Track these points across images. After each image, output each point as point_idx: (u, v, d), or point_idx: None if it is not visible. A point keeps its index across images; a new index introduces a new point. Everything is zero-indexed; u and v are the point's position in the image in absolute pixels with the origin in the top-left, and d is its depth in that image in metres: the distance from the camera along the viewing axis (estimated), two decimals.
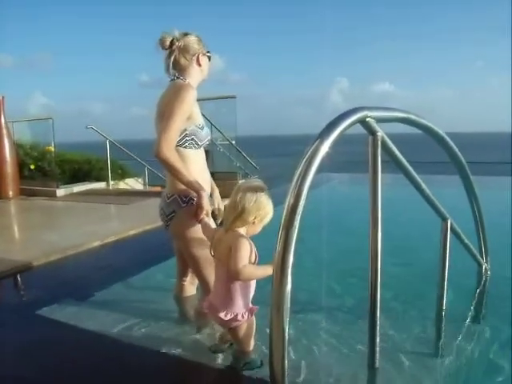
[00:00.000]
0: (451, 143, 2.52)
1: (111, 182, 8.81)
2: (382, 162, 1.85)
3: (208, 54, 2.64)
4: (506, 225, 4.71)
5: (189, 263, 2.69)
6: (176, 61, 2.55)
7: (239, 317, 2.03)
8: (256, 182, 2.06)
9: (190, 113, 2.45)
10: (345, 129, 1.61)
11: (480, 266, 3.35)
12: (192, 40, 2.57)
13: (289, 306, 1.52)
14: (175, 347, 2.36)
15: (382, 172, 1.85)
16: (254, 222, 2.00)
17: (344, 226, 5.00)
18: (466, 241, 2.95)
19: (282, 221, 1.49)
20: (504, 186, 8.44)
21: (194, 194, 2.45)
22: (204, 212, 2.39)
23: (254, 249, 2.00)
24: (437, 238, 2.75)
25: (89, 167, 9.13)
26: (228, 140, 7.94)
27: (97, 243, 4.47)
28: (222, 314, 2.01)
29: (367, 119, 1.73)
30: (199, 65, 2.60)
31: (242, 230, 2.03)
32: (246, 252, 1.93)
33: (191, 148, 2.51)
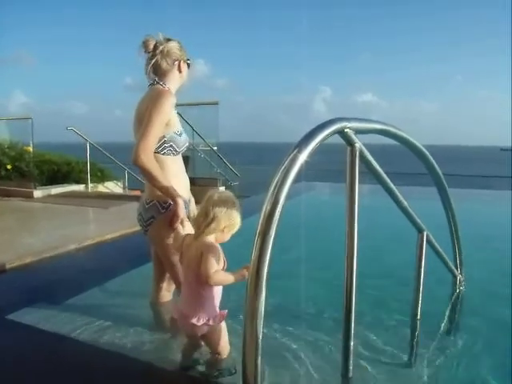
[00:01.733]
0: (429, 155, 2.56)
1: (90, 185, 8.72)
2: (360, 172, 1.88)
3: (188, 62, 2.66)
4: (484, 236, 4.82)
5: (166, 269, 2.67)
6: (157, 65, 2.55)
7: (211, 321, 2.04)
8: (226, 192, 2.12)
9: (168, 119, 2.45)
10: (323, 139, 1.62)
11: (455, 277, 3.40)
12: (175, 46, 2.58)
13: (263, 314, 1.52)
14: (148, 354, 2.33)
15: (361, 182, 1.87)
16: (223, 231, 2.05)
17: (321, 235, 5.02)
18: (442, 253, 2.99)
19: (258, 228, 1.49)
20: (480, 199, 8.64)
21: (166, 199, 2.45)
22: (179, 220, 2.39)
23: (223, 256, 2.03)
24: (413, 248, 2.78)
25: (68, 169, 9.02)
26: (210, 146, 7.94)
27: (73, 246, 4.41)
28: (194, 320, 2.01)
29: (346, 130, 1.75)
30: (180, 71, 2.63)
31: (212, 238, 2.05)
32: (217, 258, 1.96)
33: (169, 155, 2.51)
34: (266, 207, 1.50)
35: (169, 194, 2.41)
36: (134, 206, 2.73)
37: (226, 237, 2.09)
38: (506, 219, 6.20)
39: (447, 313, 3.09)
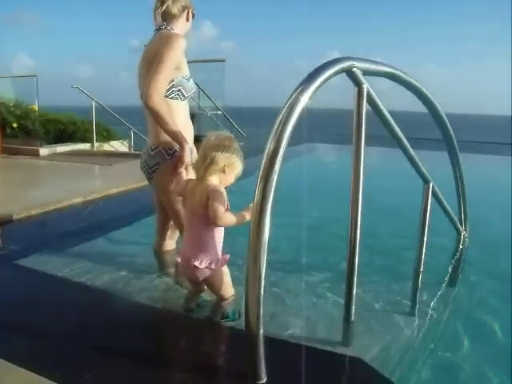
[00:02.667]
0: (436, 104, 2.50)
1: (96, 144, 8.68)
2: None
3: (194, 12, 2.66)
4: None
5: (171, 216, 2.69)
6: (168, 10, 2.53)
7: (213, 264, 2.06)
8: (223, 134, 2.09)
9: (179, 62, 2.43)
10: (328, 77, 1.58)
11: (459, 233, 3.40)
12: None
13: (265, 255, 1.51)
14: (152, 299, 2.37)
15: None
16: (224, 171, 2.03)
17: (327, 191, 5.00)
18: (447, 206, 2.97)
19: (261, 168, 1.47)
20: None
21: (179, 147, 2.43)
22: (184, 165, 2.38)
23: (227, 199, 2.01)
24: (418, 202, 2.77)
25: (74, 128, 8.96)
26: (214, 104, 7.84)
27: (79, 199, 4.43)
28: (196, 262, 2.03)
29: (353, 69, 1.70)
30: (187, 19, 2.62)
31: (216, 181, 2.04)
32: (223, 200, 1.96)
33: (177, 99, 2.50)
34: (269, 147, 1.47)
35: (177, 138, 2.40)
36: (139, 164, 2.72)
37: (230, 179, 2.08)
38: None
39: (450, 267, 3.09)
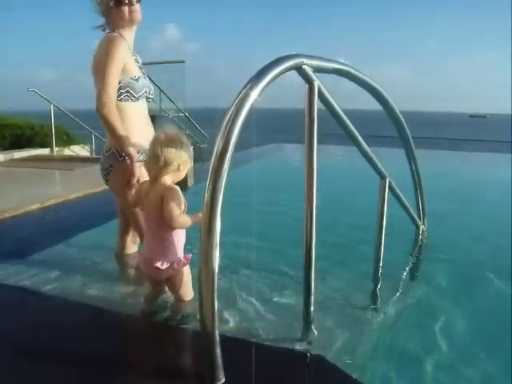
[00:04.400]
0: (389, 100, 2.54)
1: (56, 149, 8.45)
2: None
3: None
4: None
5: (129, 219, 2.64)
6: (102, 7, 2.47)
7: (175, 265, 2.05)
8: (171, 129, 2.08)
9: (123, 65, 2.39)
10: (278, 74, 1.56)
11: (417, 227, 3.46)
12: None
13: (218, 255, 1.49)
14: (113, 304, 2.31)
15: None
16: (179, 169, 2.04)
17: (288, 190, 5.00)
18: (404, 201, 3.03)
19: (210, 168, 1.45)
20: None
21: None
22: (135, 179, 2.35)
23: (183, 198, 2.01)
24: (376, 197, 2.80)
25: (32, 133, 8.73)
26: (176, 106, 7.78)
27: (36, 206, 4.29)
28: (158, 264, 2.01)
29: (303, 66, 1.70)
30: (119, 8, 2.45)
31: (169, 180, 2.02)
32: (179, 201, 1.95)
33: (127, 101, 2.45)
34: (218, 144, 1.46)
35: (123, 147, 2.37)
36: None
37: (182, 174, 2.08)
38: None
39: (409, 260, 3.15)
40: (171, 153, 1.97)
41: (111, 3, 2.44)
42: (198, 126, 8.32)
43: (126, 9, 2.45)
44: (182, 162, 2.01)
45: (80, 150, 9.07)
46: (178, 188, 2.01)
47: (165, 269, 2.03)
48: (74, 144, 9.01)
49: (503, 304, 2.51)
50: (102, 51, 2.38)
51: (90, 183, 5.09)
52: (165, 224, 1.99)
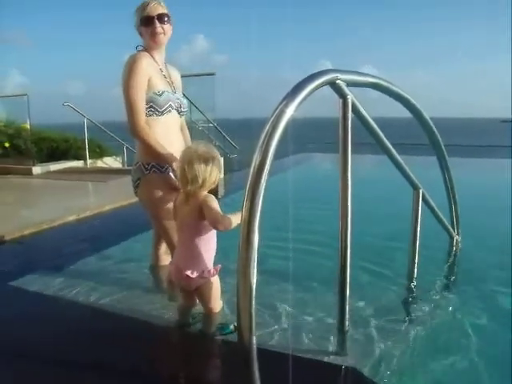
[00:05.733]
0: (423, 112, 2.53)
1: (89, 161, 8.68)
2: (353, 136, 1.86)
3: (142, 19, 2.50)
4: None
5: (159, 231, 2.70)
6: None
7: (205, 273, 2.08)
8: (203, 146, 2.08)
9: (147, 81, 2.44)
10: (312, 90, 1.59)
11: (451, 237, 3.41)
12: (139, 4, 2.53)
13: (255, 269, 1.51)
14: (147, 315, 2.36)
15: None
16: (215, 183, 2.10)
17: (318, 201, 5.01)
18: (438, 211, 2.99)
19: (249, 180, 1.48)
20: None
21: (157, 162, 2.50)
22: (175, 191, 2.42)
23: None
24: (410, 209, 2.78)
25: (66, 146, 8.98)
26: (205, 117, 7.88)
27: (72, 217, 4.42)
28: (188, 272, 2.05)
29: (337, 81, 1.72)
30: (140, 32, 2.56)
31: (205, 191, 2.09)
32: (217, 205, 2.01)
33: (152, 115, 2.50)
34: (255, 160, 1.48)
35: (166, 160, 2.46)
36: None
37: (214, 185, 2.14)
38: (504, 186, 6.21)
39: (444, 272, 3.10)
40: (207, 173, 2.01)
41: (139, 22, 2.52)
42: (227, 136, 8.41)
43: (149, 30, 2.50)
44: (216, 177, 2.07)
45: (112, 162, 9.27)
46: (213, 197, 2.06)
47: (195, 278, 2.06)
48: (106, 156, 9.23)
49: None
50: (124, 71, 2.44)
51: (122, 195, 5.20)
52: (198, 233, 2.05)
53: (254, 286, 1.51)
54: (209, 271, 2.10)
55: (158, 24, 2.48)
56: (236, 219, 1.96)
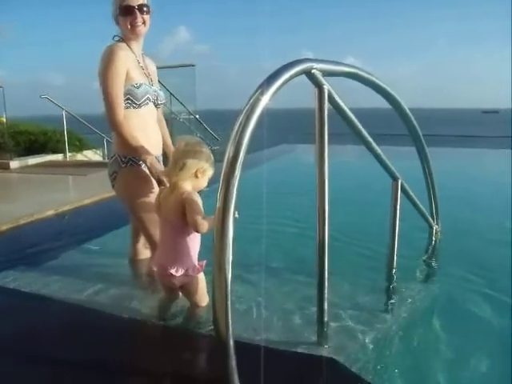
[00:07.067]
0: (401, 102, 2.52)
1: (68, 154, 8.54)
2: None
3: (120, 8, 2.43)
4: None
5: (136, 225, 2.67)
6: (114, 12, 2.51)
7: (190, 271, 2.06)
8: (193, 139, 2.12)
9: (125, 74, 2.40)
10: (288, 79, 1.57)
11: (431, 227, 3.44)
12: None
13: (230, 262, 1.49)
14: (127, 309, 2.33)
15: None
16: (197, 176, 2.03)
17: (297, 192, 5.00)
18: (417, 202, 3.00)
19: (223, 173, 1.46)
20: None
21: (134, 155, 2.46)
22: (157, 178, 2.37)
23: (201, 204, 2.02)
24: (388, 199, 2.78)
25: (45, 139, 8.83)
26: (186, 108, 7.81)
27: (51, 212, 4.34)
28: (172, 270, 2.03)
29: (313, 71, 1.70)
30: (118, 23, 2.50)
31: (189, 187, 2.03)
32: (199, 207, 1.96)
33: (129, 107, 2.45)
34: (229, 151, 1.46)
35: (139, 155, 2.40)
36: None
37: (202, 182, 2.08)
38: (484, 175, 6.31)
39: (424, 263, 3.11)
40: (189, 157, 1.99)
41: (117, 11, 2.45)
42: (208, 128, 8.35)
43: (128, 20, 2.44)
44: (200, 168, 2.02)
45: (92, 155, 9.16)
46: (197, 195, 2.02)
47: (179, 276, 2.04)
48: (86, 149, 9.10)
49: None
50: (102, 63, 2.39)
51: (102, 188, 5.12)
52: (181, 231, 2.02)
53: (230, 278, 1.49)
54: (193, 268, 2.07)
55: (138, 14, 2.43)
56: (212, 222, 1.96)
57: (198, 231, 1.97)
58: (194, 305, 2.19)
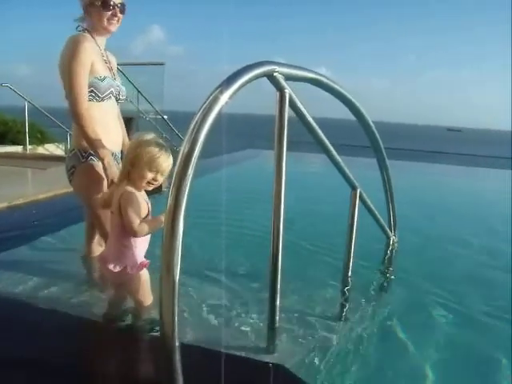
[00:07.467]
0: (364, 112, 2.55)
1: (29, 147, 8.27)
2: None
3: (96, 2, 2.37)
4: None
5: (93, 221, 2.60)
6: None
7: (128, 269, 2.00)
8: (149, 135, 2.02)
9: (90, 66, 2.34)
10: (248, 81, 1.56)
11: (388, 237, 3.48)
12: None
13: (179, 263, 1.46)
14: (77, 308, 2.26)
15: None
16: (143, 176, 1.95)
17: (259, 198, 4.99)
18: (375, 212, 3.04)
19: (175, 170, 1.42)
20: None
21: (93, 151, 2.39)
22: (110, 178, 2.32)
23: (145, 201, 1.97)
24: (346, 208, 2.80)
25: (4, 129, 8.53)
26: (154, 108, 7.71)
27: (3, 205, 4.17)
28: (111, 266, 1.98)
29: (275, 74, 1.69)
30: (88, 13, 2.42)
31: (130, 186, 1.97)
32: (137, 209, 1.90)
33: (92, 100, 2.40)
34: (184, 147, 1.43)
35: (95, 148, 2.34)
36: None
37: (144, 175, 1.95)
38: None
39: (380, 271, 3.15)
40: (139, 157, 1.92)
41: (97, 2, 2.37)
42: (175, 129, 8.25)
43: (106, 15, 2.39)
44: (153, 166, 1.93)
45: (54, 149, 8.89)
46: (135, 193, 1.95)
47: (117, 272, 1.98)
48: (48, 142, 8.83)
49: (474, 309, 2.55)
50: (66, 53, 2.31)
51: (61, 183, 4.96)
52: (121, 228, 1.96)
53: (178, 278, 1.46)
54: (133, 266, 2.02)
55: (118, 12, 2.41)
56: (156, 224, 1.92)
57: (133, 236, 1.92)
58: (138, 304, 2.13)
